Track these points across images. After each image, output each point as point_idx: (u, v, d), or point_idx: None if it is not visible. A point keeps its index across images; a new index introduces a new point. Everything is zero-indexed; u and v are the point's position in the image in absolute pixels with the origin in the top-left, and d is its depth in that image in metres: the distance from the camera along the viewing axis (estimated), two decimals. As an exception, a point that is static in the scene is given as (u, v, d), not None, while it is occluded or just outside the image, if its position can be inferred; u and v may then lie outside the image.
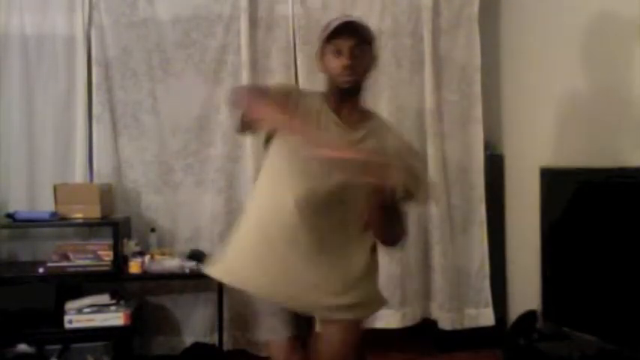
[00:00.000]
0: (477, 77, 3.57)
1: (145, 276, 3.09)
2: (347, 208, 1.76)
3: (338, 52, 1.72)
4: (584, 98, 2.92)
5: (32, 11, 3.27)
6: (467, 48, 3.58)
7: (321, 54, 1.79)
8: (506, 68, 3.65)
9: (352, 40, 1.72)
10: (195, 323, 3.37)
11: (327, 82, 1.80)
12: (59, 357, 3.01)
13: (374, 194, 1.56)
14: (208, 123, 3.39)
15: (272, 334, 1.84)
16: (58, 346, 3.03)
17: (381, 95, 3.49)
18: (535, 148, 3.32)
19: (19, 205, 3.23)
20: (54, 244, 3.11)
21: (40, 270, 3.00)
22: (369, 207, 1.65)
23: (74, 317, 2.95)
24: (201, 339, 3.34)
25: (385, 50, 3.50)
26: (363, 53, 1.75)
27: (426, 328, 3.57)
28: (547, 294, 2.84)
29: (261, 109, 1.67)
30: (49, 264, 3.01)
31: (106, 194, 3.19)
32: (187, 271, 3.09)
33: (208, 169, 3.38)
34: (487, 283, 3.59)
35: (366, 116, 1.84)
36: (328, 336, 1.80)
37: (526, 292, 3.29)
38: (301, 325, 1.85)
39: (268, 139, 1.83)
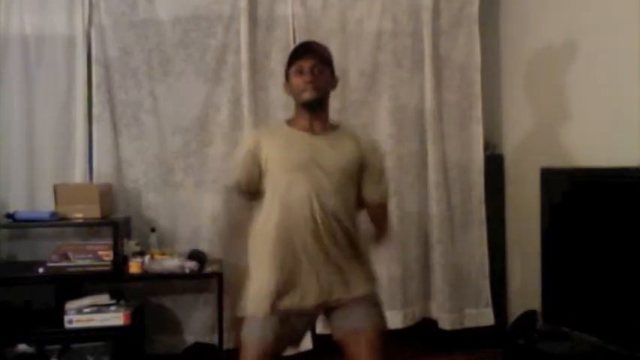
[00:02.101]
0: (477, 77, 3.58)
1: (145, 276, 3.09)
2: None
3: (300, 72, 1.96)
4: (583, 98, 2.93)
5: (32, 11, 3.27)
6: (467, 48, 3.58)
7: (287, 78, 2.03)
8: (506, 68, 3.65)
9: (312, 60, 1.96)
10: (196, 323, 3.37)
11: (295, 103, 2.03)
12: (59, 357, 3.01)
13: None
14: (208, 123, 3.39)
15: (249, 335, 1.94)
16: (58, 346, 3.03)
17: (381, 95, 3.50)
18: (535, 148, 3.32)
19: (19, 205, 3.23)
20: (54, 244, 3.11)
21: (40, 270, 2.99)
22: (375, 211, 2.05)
23: (74, 317, 2.94)
24: (202, 339, 3.34)
25: (385, 50, 3.50)
26: (323, 72, 1.98)
27: (426, 328, 3.57)
28: (547, 294, 2.84)
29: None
30: (49, 264, 3.00)
31: (106, 194, 3.19)
32: (187, 271, 3.08)
33: (208, 169, 3.38)
34: (487, 283, 3.59)
35: (335, 127, 2.07)
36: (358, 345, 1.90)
37: (526, 292, 3.29)
38: (283, 343, 1.96)
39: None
